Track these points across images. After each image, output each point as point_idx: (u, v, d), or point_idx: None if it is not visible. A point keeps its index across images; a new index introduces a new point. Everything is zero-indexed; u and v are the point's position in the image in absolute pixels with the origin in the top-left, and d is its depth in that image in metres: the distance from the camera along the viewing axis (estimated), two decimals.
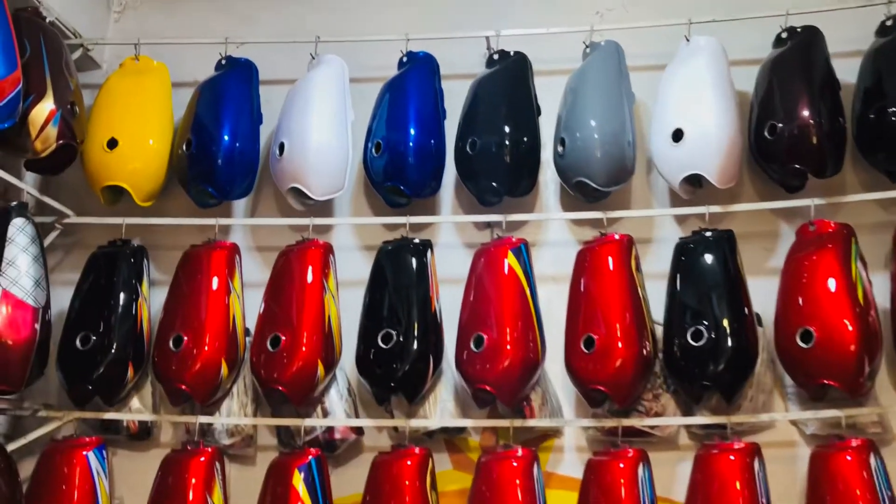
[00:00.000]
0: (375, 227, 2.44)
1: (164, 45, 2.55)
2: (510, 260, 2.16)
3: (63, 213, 2.39)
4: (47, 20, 2.30)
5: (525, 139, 2.22)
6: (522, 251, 2.18)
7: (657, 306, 2.17)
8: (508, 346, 2.07)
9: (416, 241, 2.25)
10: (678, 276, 2.14)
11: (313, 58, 2.45)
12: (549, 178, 2.42)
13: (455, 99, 2.38)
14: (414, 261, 2.21)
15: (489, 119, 2.25)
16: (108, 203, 2.38)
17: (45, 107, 2.09)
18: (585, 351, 2.05)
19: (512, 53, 2.37)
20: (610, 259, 2.13)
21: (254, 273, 2.43)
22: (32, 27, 2.20)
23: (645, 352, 2.06)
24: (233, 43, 2.49)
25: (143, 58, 2.48)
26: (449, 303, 2.23)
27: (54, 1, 2.41)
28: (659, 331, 2.14)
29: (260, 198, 2.54)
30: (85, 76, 2.59)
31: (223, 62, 2.46)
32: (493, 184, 2.24)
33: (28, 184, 2.28)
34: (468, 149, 2.25)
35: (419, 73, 2.36)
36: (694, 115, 2.15)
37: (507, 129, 2.21)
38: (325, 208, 2.47)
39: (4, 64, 1.90)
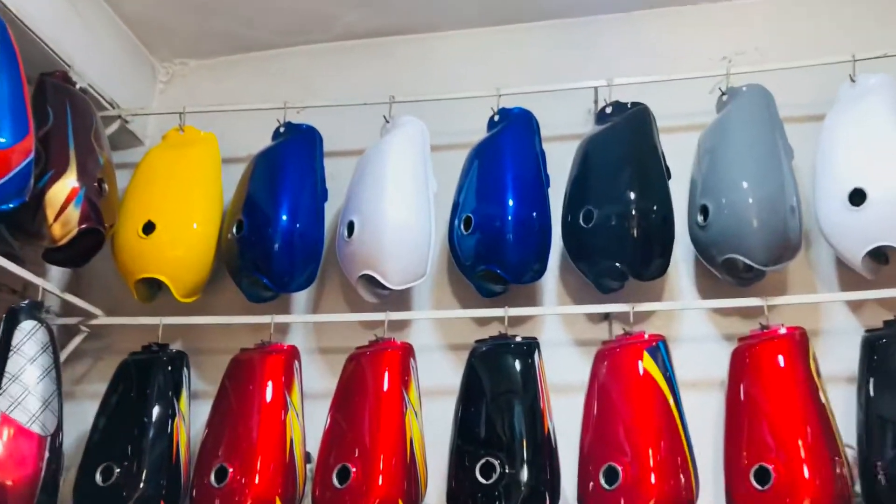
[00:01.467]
0: (465, 322, 1.98)
1: (213, 112, 2.19)
2: (646, 363, 1.66)
3: (89, 313, 2.00)
4: (77, 86, 1.97)
5: (655, 207, 1.75)
6: (661, 351, 1.69)
7: (841, 420, 1.64)
8: (653, 482, 1.55)
9: (519, 339, 1.78)
10: (871, 380, 1.61)
11: (387, 121, 2.05)
12: (678, 256, 1.93)
13: (558, 164, 1.95)
14: (518, 365, 1.73)
15: (608, 184, 1.79)
16: (144, 300, 1.99)
17: (66, 184, 1.74)
18: (758, 487, 1.52)
19: (629, 105, 1.93)
20: (781, 360, 1.62)
21: (317, 382, 1.98)
22: (58, 93, 1.88)
23: (840, 486, 1.52)
24: (293, 108, 2.12)
25: (189, 128, 2.12)
26: (561, 420, 1.73)
27: (89, 66, 2.09)
28: (850, 455, 1.60)
29: (324, 290, 2.11)
30: (125, 155, 2.26)
31: (281, 130, 2.08)
32: (616, 264, 1.76)
33: (50, 279, 1.91)
34: (581, 222, 1.79)
35: (515, 132, 1.93)
36: (878, 171, 1.66)
37: (631, 195, 1.75)
38: (401, 300, 2.03)
39: (10, 129, 1.54)
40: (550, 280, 2.00)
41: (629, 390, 1.65)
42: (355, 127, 2.18)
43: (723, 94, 1.91)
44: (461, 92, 2.08)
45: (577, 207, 1.81)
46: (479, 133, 2.02)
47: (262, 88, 2.33)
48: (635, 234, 1.73)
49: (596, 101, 2.05)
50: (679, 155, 1.89)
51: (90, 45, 2.14)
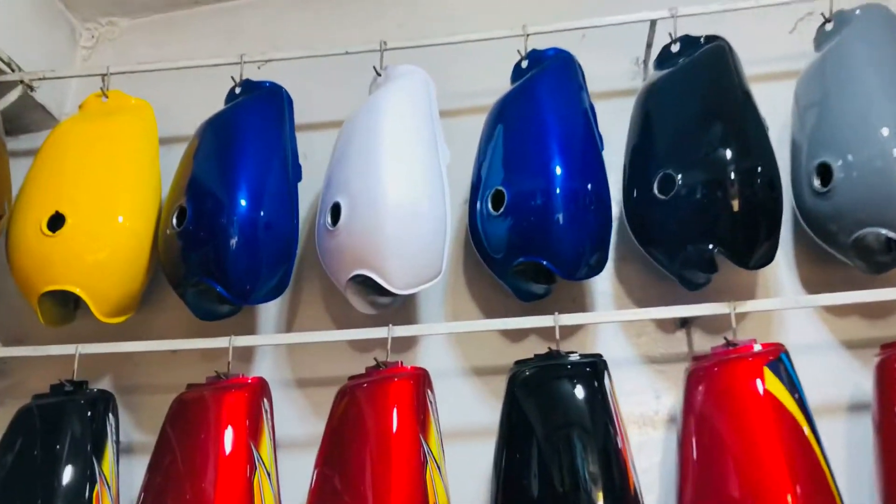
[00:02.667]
0: (494, 336, 1.48)
1: (147, 76, 1.67)
2: (768, 382, 1.17)
3: None
4: None
5: (760, 169, 1.26)
6: (785, 365, 1.19)
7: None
8: None
9: (578, 356, 1.27)
10: None
11: (378, 74, 1.54)
12: None
13: (606, 122, 1.46)
14: (581, 392, 1.22)
15: (692, 141, 1.30)
16: (52, 322, 1.45)
17: None
18: None
19: (703, 39, 1.44)
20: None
21: (295, 425, 1.47)
22: None
23: None
24: (253, 62, 1.61)
25: (115, 93, 1.60)
26: (639, 464, 1.24)
27: None
28: None
29: (300, 299, 1.59)
30: (33, 139, 1.73)
31: (237, 90, 1.57)
32: (710, 247, 1.27)
33: None
34: (657, 192, 1.30)
35: (554, 79, 1.44)
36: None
37: (728, 153, 1.26)
38: (406, 310, 1.52)
39: None
40: (603, 276, 1.50)
41: (748, 419, 1.15)
42: (334, 91, 1.69)
43: (826, 21, 1.44)
44: (473, 32, 1.58)
45: (648, 174, 1.32)
46: (499, 91, 1.53)
47: (212, 51, 1.82)
48: (737, 206, 1.24)
49: (649, 45, 1.57)
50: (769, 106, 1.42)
51: None
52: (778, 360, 1.19)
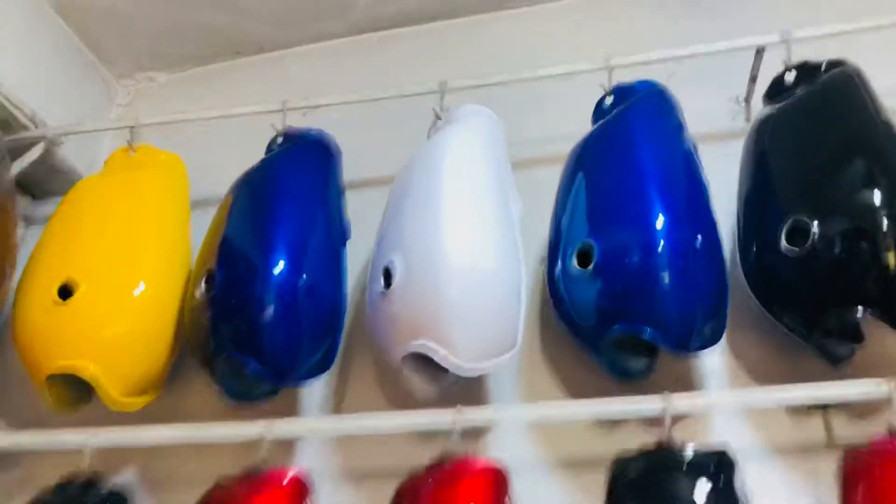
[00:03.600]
0: (584, 423, 1.22)
1: (182, 130, 1.50)
2: None
3: None
4: None
5: None
6: None
7: None
8: None
9: (696, 451, 1.00)
10: None
11: (438, 117, 1.34)
12: None
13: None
14: (705, 495, 0.96)
15: (829, 183, 1.05)
16: (61, 406, 1.25)
17: None
18: None
19: (824, 66, 1.21)
20: None
21: None
22: None
23: None
24: (296, 109, 1.43)
25: (144, 148, 1.43)
26: None
27: (8, 74, 1.44)
28: None
29: (349, 378, 1.36)
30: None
31: (279, 141, 1.38)
32: (857, 310, 1.01)
33: None
34: (785, 243, 1.05)
35: (648, 114, 1.22)
36: None
37: (874, 195, 1.01)
38: (473, 388, 1.28)
39: None
40: (711, 349, 1.24)
41: None
42: (388, 142, 1.49)
43: None
44: (546, 69, 1.37)
45: (772, 223, 1.07)
46: (577, 137, 1.31)
47: (254, 103, 1.65)
48: (892, 258, 0.98)
49: (753, 78, 1.35)
50: None
51: (4, 41, 1.48)
52: None
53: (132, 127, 1.43)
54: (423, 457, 1.10)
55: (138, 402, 1.25)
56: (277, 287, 1.14)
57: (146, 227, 1.28)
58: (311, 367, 1.19)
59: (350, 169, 1.39)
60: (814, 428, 1.17)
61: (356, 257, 1.35)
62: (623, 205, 1.10)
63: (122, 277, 1.22)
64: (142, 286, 1.22)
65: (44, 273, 1.21)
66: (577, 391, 1.25)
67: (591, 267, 1.09)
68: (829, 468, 1.13)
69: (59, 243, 1.26)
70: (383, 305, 1.13)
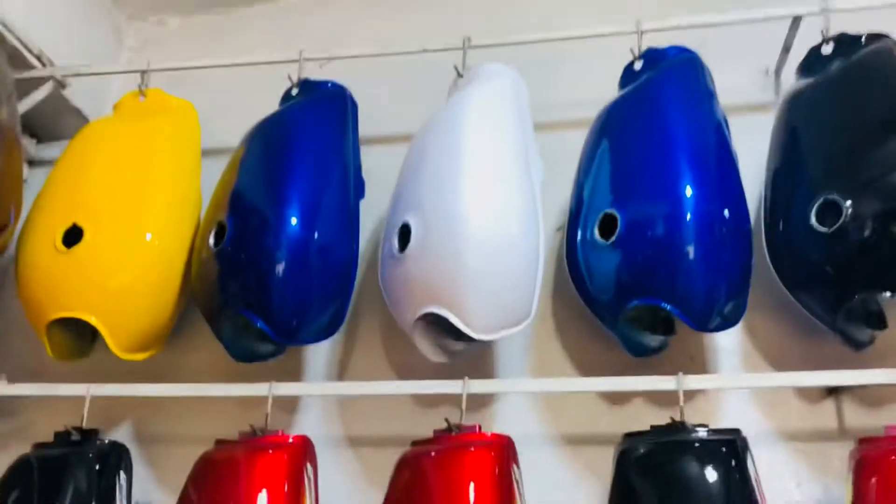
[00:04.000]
0: (591, 399, 1.20)
1: (195, 77, 1.46)
2: None
3: None
4: None
5: None
6: None
7: None
8: None
9: (708, 432, 0.98)
10: None
11: (459, 75, 1.30)
12: None
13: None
14: (717, 478, 0.93)
15: (864, 158, 1.01)
16: (61, 354, 1.22)
17: None
18: None
19: (864, 39, 1.16)
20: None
21: (343, 494, 1.20)
22: None
23: None
24: (314, 60, 1.38)
25: (155, 91, 1.38)
26: None
27: (16, 9, 1.38)
28: None
29: (356, 340, 1.33)
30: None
31: (294, 92, 1.34)
32: (886, 294, 0.98)
33: None
34: (814, 222, 1.01)
35: (679, 81, 1.17)
36: None
37: None
38: (480, 359, 1.25)
39: None
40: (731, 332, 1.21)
41: None
42: (407, 99, 1.45)
43: None
44: (574, 29, 1.32)
45: (801, 201, 1.03)
46: (603, 102, 1.26)
47: (268, 51, 1.60)
48: None
49: (786, 48, 1.30)
50: None
51: None
52: None
53: (144, 71, 1.39)
54: (426, 427, 1.08)
55: (140, 356, 1.22)
56: (289, 243, 1.11)
57: (156, 175, 1.24)
58: (320, 329, 1.16)
59: (365, 125, 1.35)
60: (826, 415, 1.15)
61: (368, 216, 1.31)
62: (650, 174, 1.06)
63: (129, 226, 1.19)
64: (149, 236, 1.19)
65: (49, 218, 1.18)
66: (586, 366, 1.23)
67: (613, 238, 1.06)
68: (838, 455, 1.12)
69: (65, 188, 1.22)
70: (398, 267, 1.10)
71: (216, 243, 1.15)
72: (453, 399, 1.16)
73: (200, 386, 1.20)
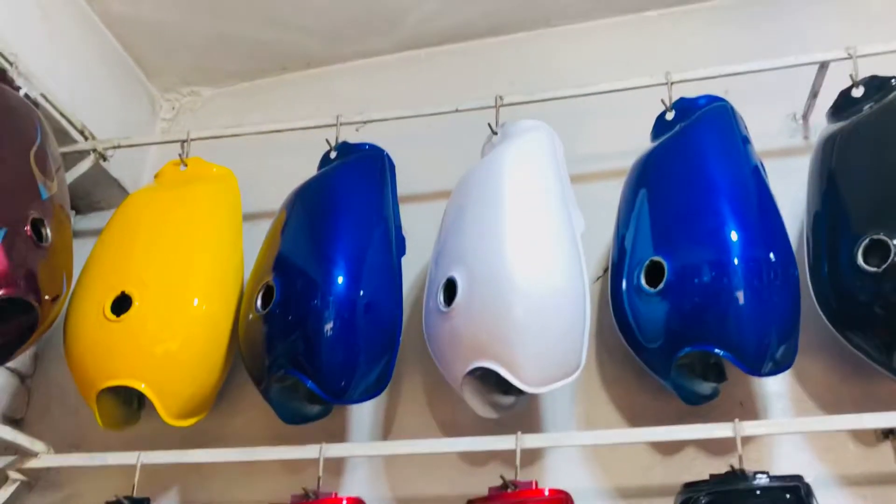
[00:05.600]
0: (640, 449, 1.19)
1: (230, 145, 1.49)
2: None
3: (25, 450, 1.23)
4: (22, 92, 1.28)
5: None
6: None
7: None
8: None
9: (769, 480, 0.97)
10: None
11: (494, 132, 1.32)
12: None
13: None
14: None
15: None
16: (111, 423, 1.23)
17: None
18: None
19: (894, 80, 1.18)
20: None
21: None
22: None
23: None
24: (350, 124, 1.41)
25: (196, 160, 1.42)
26: None
27: (53, 81, 1.43)
28: None
29: (399, 399, 1.33)
30: (107, 217, 1.55)
31: (332, 155, 1.36)
32: None
33: None
34: (861, 262, 1.01)
35: (715, 129, 1.19)
36: None
37: None
38: (528, 413, 1.25)
39: None
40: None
41: None
42: (441, 158, 1.48)
43: None
44: (604, 83, 1.35)
45: (846, 242, 1.04)
46: (634, 153, 1.28)
47: (301, 118, 1.63)
48: None
49: (814, 94, 1.32)
50: None
51: (57, 55, 1.48)
52: None
53: (184, 141, 1.42)
54: (473, 486, 1.07)
55: (189, 422, 1.23)
56: (337, 303, 1.12)
57: (200, 241, 1.26)
58: (367, 387, 1.16)
59: (402, 185, 1.37)
60: (883, 458, 1.13)
61: (408, 274, 1.32)
62: (695, 221, 1.07)
63: (176, 293, 1.20)
64: (196, 302, 1.21)
65: (98, 286, 1.20)
66: (634, 416, 1.22)
67: (661, 286, 1.06)
68: None
69: (112, 257, 1.24)
70: (445, 322, 1.10)
71: (264, 306, 1.16)
72: (500, 456, 1.16)
73: (252, 450, 1.19)
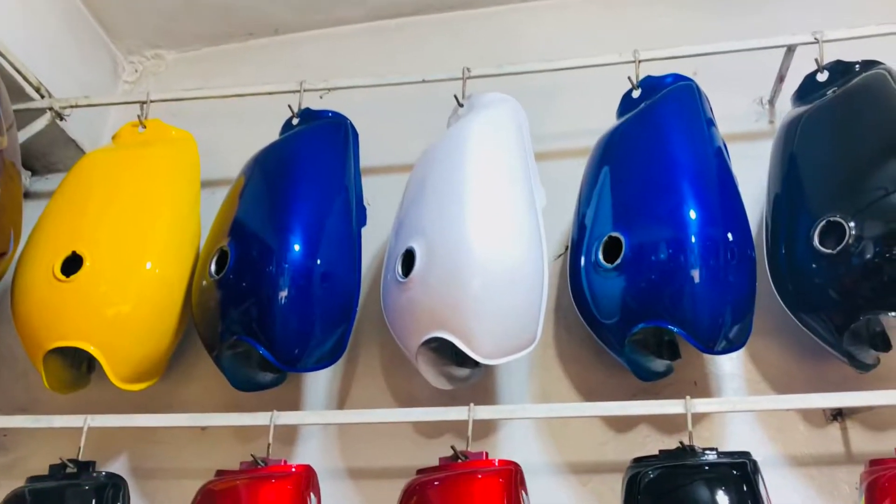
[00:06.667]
0: (593, 423, 1.19)
1: (193, 109, 1.47)
2: None
3: None
4: None
5: None
6: None
7: None
8: None
9: (718, 456, 0.97)
10: None
11: (460, 104, 1.31)
12: None
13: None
14: (728, 501, 0.93)
15: (864, 181, 1.02)
16: (58, 386, 1.20)
17: None
18: None
19: (858, 66, 1.19)
20: None
21: None
22: None
23: None
24: (314, 90, 1.39)
25: (155, 122, 1.39)
26: None
27: (16, 44, 1.39)
28: None
29: (357, 368, 1.32)
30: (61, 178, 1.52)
31: (294, 121, 1.34)
32: (890, 318, 0.98)
33: None
34: (817, 244, 1.02)
35: (679, 108, 1.19)
36: None
37: None
38: (482, 386, 1.24)
39: None
40: (731, 354, 1.21)
41: None
42: (407, 130, 1.46)
43: None
44: (573, 59, 1.34)
45: (804, 223, 1.04)
46: (600, 132, 1.27)
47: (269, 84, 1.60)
48: None
49: (781, 78, 1.32)
50: None
51: (12, 9, 1.44)
52: None
53: (144, 102, 1.39)
54: (427, 457, 1.07)
55: (139, 386, 1.21)
56: (292, 270, 1.10)
57: (156, 204, 1.24)
58: (322, 356, 1.15)
59: (367, 156, 1.35)
60: (832, 439, 1.14)
61: (368, 244, 1.31)
62: (654, 199, 1.07)
63: (129, 254, 1.18)
64: (149, 265, 1.18)
65: (48, 246, 1.17)
66: (589, 392, 1.22)
67: (618, 261, 1.06)
68: (845, 479, 1.11)
69: (65, 216, 1.21)
70: (402, 293, 1.09)
71: (218, 271, 1.14)
72: (455, 429, 1.15)
73: (200, 416, 1.17)
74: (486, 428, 1.22)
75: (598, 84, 1.34)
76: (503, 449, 1.21)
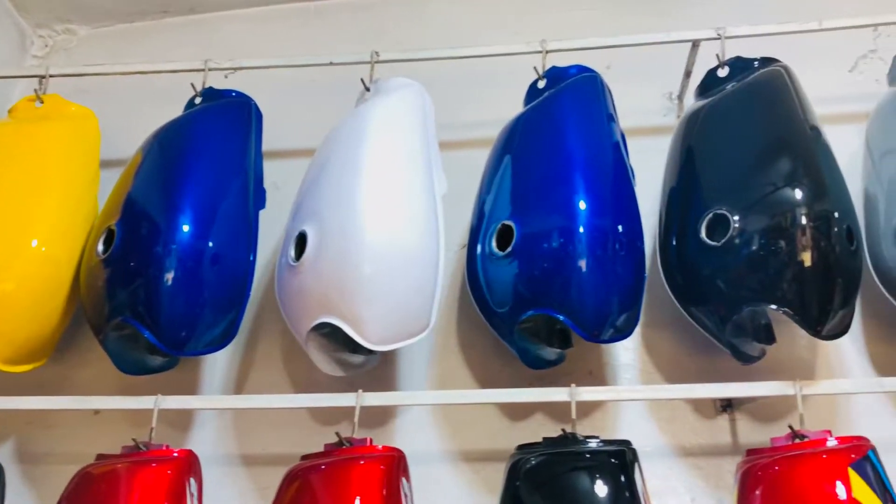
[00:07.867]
0: (489, 411, 1.19)
1: (99, 88, 1.43)
2: (856, 488, 0.88)
3: None
4: None
5: (837, 214, 0.99)
6: (874, 465, 0.91)
7: None
8: None
9: (599, 444, 0.98)
10: None
11: (367, 88, 1.29)
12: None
13: (633, 163, 1.20)
14: (605, 490, 0.93)
15: (751, 175, 1.04)
16: None
17: None
18: None
19: (756, 62, 1.20)
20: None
21: None
22: None
23: None
24: (220, 69, 1.36)
25: (53, 97, 1.34)
26: None
27: None
28: None
29: (252, 352, 1.30)
30: None
31: (197, 100, 1.31)
32: (773, 308, 0.99)
33: None
34: (704, 236, 1.03)
35: (578, 98, 1.19)
36: None
37: (798, 192, 0.99)
38: (382, 373, 1.23)
39: None
40: (626, 345, 1.22)
41: None
42: (314, 113, 1.44)
43: None
44: (481, 47, 1.33)
45: (693, 215, 1.05)
46: (505, 120, 1.27)
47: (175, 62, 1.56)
48: (809, 258, 0.97)
49: (687, 73, 1.34)
50: None
51: None
52: (865, 458, 0.90)
53: (42, 77, 1.35)
54: (321, 444, 1.05)
55: (23, 368, 1.17)
56: (180, 251, 1.08)
57: (47, 180, 1.20)
58: (211, 340, 1.12)
59: (272, 138, 1.33)
60: (720, 430, 1.16)
61: (272, 229, 1.29)
62: (547, 188, 1.07)
63: (13, 231, 1.14)
64: (35, 242, 1.14)
65: None
66: (488, 381, 1.22)
67: (509, 249, 1.06)
68: (731, 470, 1.13)
69: None
70: (293, 277, 1.08)
71: (104, 250, 1.11)
72: (351, 416, 1.14)
73: (85, 398, 1.14)
74: (383, 415, 1.21)
75: (508, 73, 1.33)
76: (399, 437, 1.20)
